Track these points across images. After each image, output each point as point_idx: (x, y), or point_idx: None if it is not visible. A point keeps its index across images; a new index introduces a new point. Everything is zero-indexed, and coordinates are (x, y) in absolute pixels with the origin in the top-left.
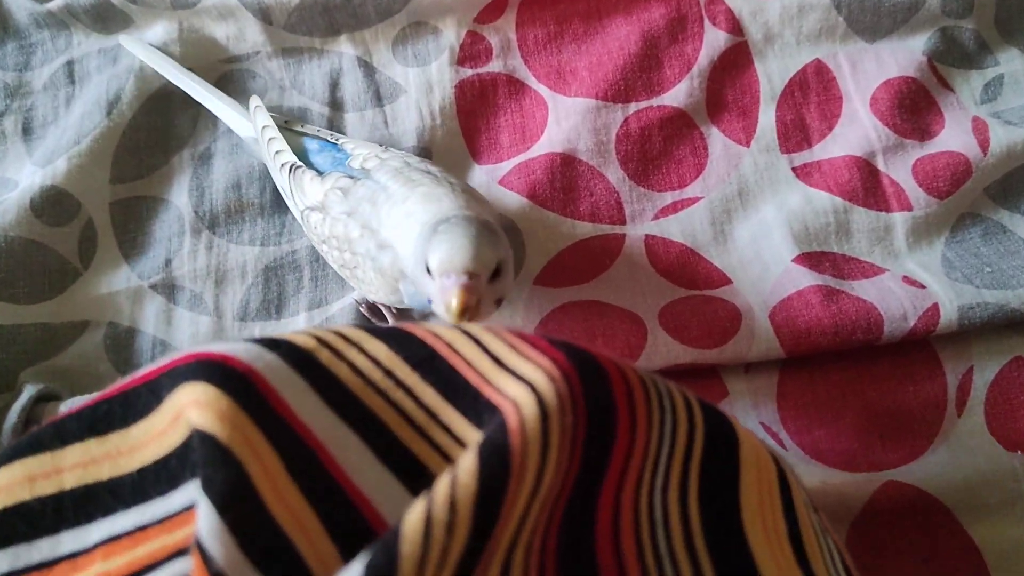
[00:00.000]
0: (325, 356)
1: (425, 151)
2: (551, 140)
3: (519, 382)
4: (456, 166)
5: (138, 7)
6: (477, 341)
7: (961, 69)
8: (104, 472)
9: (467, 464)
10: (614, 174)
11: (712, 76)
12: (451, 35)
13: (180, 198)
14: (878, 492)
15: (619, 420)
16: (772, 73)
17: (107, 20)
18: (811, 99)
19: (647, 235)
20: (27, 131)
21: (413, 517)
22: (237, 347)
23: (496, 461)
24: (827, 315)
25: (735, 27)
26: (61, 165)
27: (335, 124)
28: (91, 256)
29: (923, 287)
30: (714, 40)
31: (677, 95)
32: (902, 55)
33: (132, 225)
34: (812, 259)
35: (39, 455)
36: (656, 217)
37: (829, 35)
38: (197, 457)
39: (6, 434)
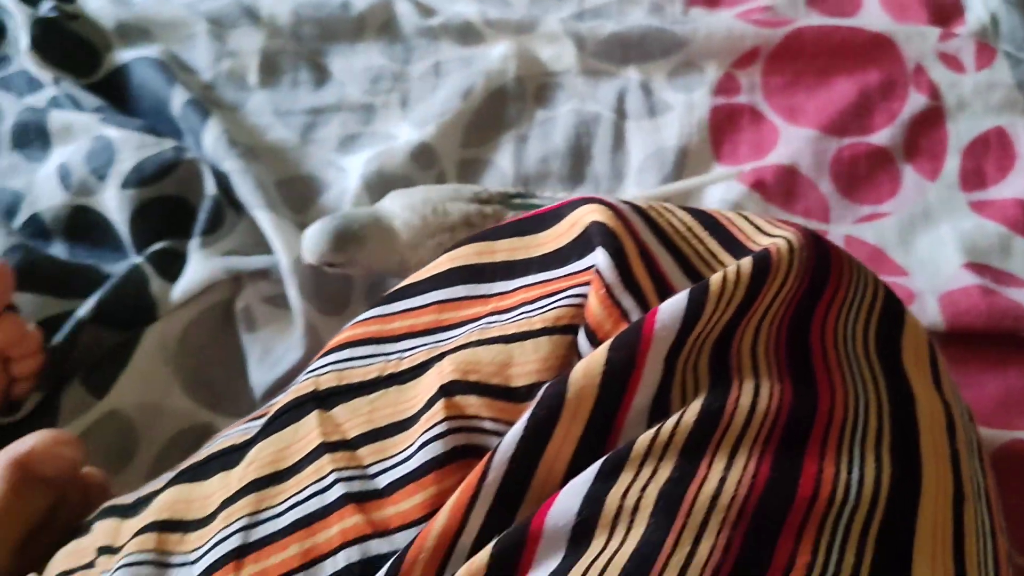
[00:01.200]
0: (653, 212)
1: (682, 150)
2: (779, 155)
3: (774, 238)
4: (700, 164)
5: (491, 29)
6: (747, 219)
7: None
8: (519, 255)
9: (747, 261)
10: (825, 187)
11: (911, 127)
12: (712, 74)
13: (504, 161)
14: (1004, 447)
15: (832, 269)
16: (960, 132)
17: (467, 36)
18: (990, 155)
19: (846, 235)
20: (404, 104)
21: (716, 276)
22: (607, 198)
23: (763, 264)
24: (983, 303)
25: (934, 94)
26: (430, 129)
27: (619, 128)
28: None
29: None
30: (916, 102)
31: (881, 137)
32: None
33: (470, 177)
34: (977, 268)
35: (485, 241)
36: (854, 223)
37: (1010, 108)
38: (594, 237)
39: None
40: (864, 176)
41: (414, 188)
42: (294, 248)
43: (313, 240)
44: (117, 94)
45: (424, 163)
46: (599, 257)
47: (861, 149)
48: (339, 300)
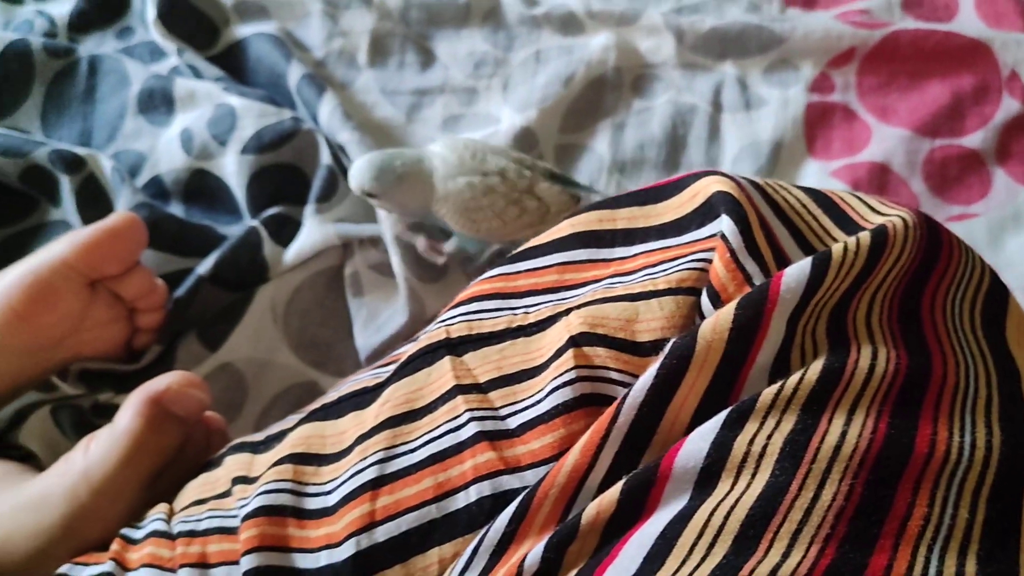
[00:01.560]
0: (769, 188)
1: (776, 143)
2: (872, 153)
3: (888, 216)
4: (794, 158)
5: (593, 20)
6: (860, 199)
7: None
8: (639, 224)
9: (865, 234)
10: (917, 186)
11: (1003, 131)
12: (808, 72)
13: (601, 147)
14: None
15: (942, 249)
16: None
17: (568, 26)
18: None
19: None
20: (505, 88)
21: (838, 245)
22: (727, 172)
23: (880, 238)
24: None
25: None
26: (531, 113)
27: (715, 120)
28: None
29: None
30: (1009, 107)
31: (973, 140)
32: None
33: (568, 162)
34: None
35: (606, 210)
36: (944, 222)
37: None
38: (719, 205)
39: None
40: (955, 177)
41: (463, 136)
42: (399, 220)
43: (358, 169)
44: (235, 67)
45: (525, 146)
46: (725, 224)
47: (952, 151)
48: (439, 268)
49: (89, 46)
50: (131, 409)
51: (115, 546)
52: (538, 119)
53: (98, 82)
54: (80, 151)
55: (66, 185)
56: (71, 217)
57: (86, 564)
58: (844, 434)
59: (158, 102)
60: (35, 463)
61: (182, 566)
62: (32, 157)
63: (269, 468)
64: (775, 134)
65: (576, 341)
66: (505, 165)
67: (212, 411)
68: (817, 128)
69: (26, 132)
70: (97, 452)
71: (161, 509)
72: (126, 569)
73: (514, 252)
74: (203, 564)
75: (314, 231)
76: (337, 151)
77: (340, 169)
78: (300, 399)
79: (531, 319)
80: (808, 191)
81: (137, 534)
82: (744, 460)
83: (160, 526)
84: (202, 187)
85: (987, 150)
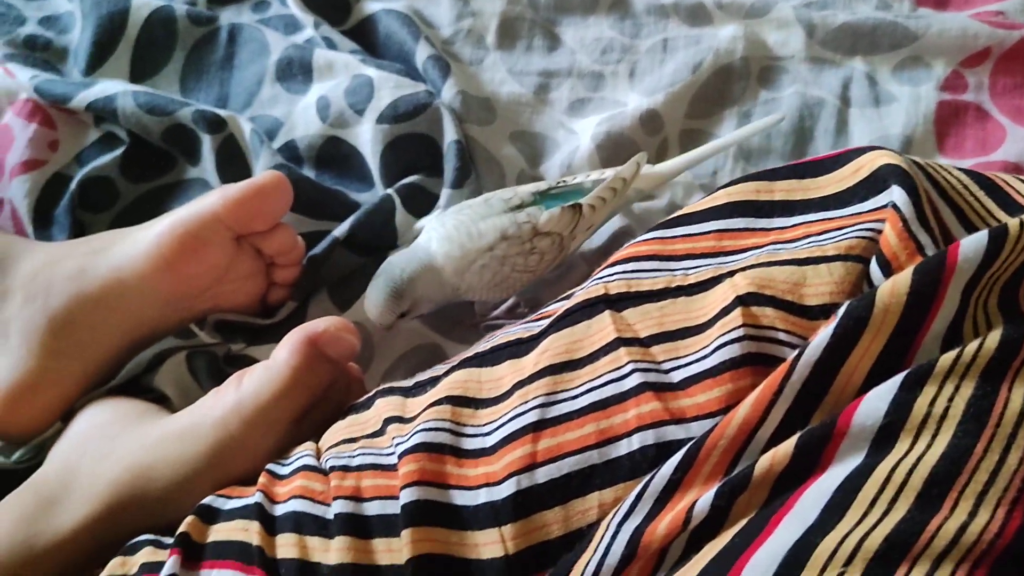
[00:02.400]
0: (931, 168)
1: (907, 139)
2: (1006, 152)
3: None
4: (924, 155)
5: (721, 12)
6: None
7: None
8: (798, 196)
9: None
10: None
11: None
12: (940, 70)
13: (728, 134)
14: None
15: None
16: None
17: (696, 16)
18: None
19: None
20: (631, 75)
21: (1014, 221)
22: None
23: None
24: None
25: None
26: (659, 97)
27: (843, 114)
28: (663, 158)
29: None
30: None
31: None
32: None
33: (692, 147)
34: None
35: (763, 181)
36: None
37: None
38: (890, 177)
39: None
40: None
41: (447, 212)
42: None
43: (376, 310)
44: (365, 42)
45: (650, 129)
46: (896, 194)
47: None
48: None
49: (228, 16)
50: (289, 346)
51: (263, 479)
52: (665, 103)
53: (237, 49)
54: (222, 112)
55: (207, 144)
56: (209, 176)
57: (229, 497)
58: None
59: (296, 71)
60: (168, 406)
61: (336, 498)
62: (176, 116)
63: (426, 408)
64: (905, 131)
65: (744, 301)
66: (501, 225)
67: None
68: (949, 126)
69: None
70: (250, 386)
71: (308, 447)
72: (274, 502)
73: (668, 218)
74: (357, 497)
75: None
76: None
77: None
78: (423, 360)
79: (691, 280)
80: (969, 173)
81: (284, 469)
82: (924, 421)
83: (310, 461)
84: (335, 154)
85: None
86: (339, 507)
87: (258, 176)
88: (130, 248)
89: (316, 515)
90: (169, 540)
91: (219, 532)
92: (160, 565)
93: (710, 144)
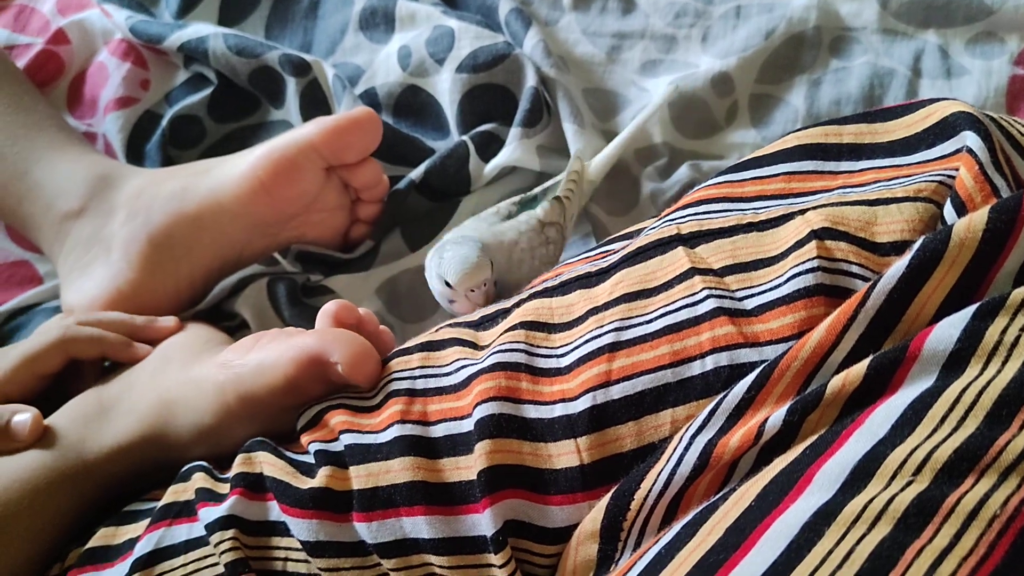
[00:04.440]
0: (1003, 120)
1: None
2: None
3: None
4: None
5: None
6: None
7: None
8: (866, 139)
9: None
10: None
11: None
12: (1014, 45)
13: (797, 100)
14: None
15: None
16: None
17: None
18: None
19: None
20: (704, 39)
21: None
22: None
23: None
24: None
25: None
26: (731, 61)
27: (913, 85)
28: (733, 120)
29: None
30: None
31: None
32: None
33: (762, 111)
34: None
35: (832, 125)
36: None
37: None
38: (961, 124)
39: None
40: None
41: (455, 231)
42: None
43: (470, 267)
44: None
45: (721, 91)
46: (971, 139)
47: None
48: (628, 200)
49: None
50: (293, 354)
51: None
52: (736, 66)
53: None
54: (307, 57)
55: (291, 87)
56: (293, 118)
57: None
58: None
59: (379, 20)
60: (247, 333)
61: (396, 423)
62: (264, 58)
63: (501, 334)
64: (976, 102)
65: (818, 235)
66: (515, 225)
67: (396, 309)
68: (1021, 100)
69: None
70: (251, 366)
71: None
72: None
73: (737, 162)
74: (424, 421)
75: (516, 151)
76: (542, 80)
77: (545, 96)
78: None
79: (761, 216)
80: None
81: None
82: (996, 348)
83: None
84: (413, 102)
85: None
86: (401, 430)
87: (353, 110)
88: (229, 170)
89: (368, 443)
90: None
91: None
92: (216, 495)
93: (624, 133)
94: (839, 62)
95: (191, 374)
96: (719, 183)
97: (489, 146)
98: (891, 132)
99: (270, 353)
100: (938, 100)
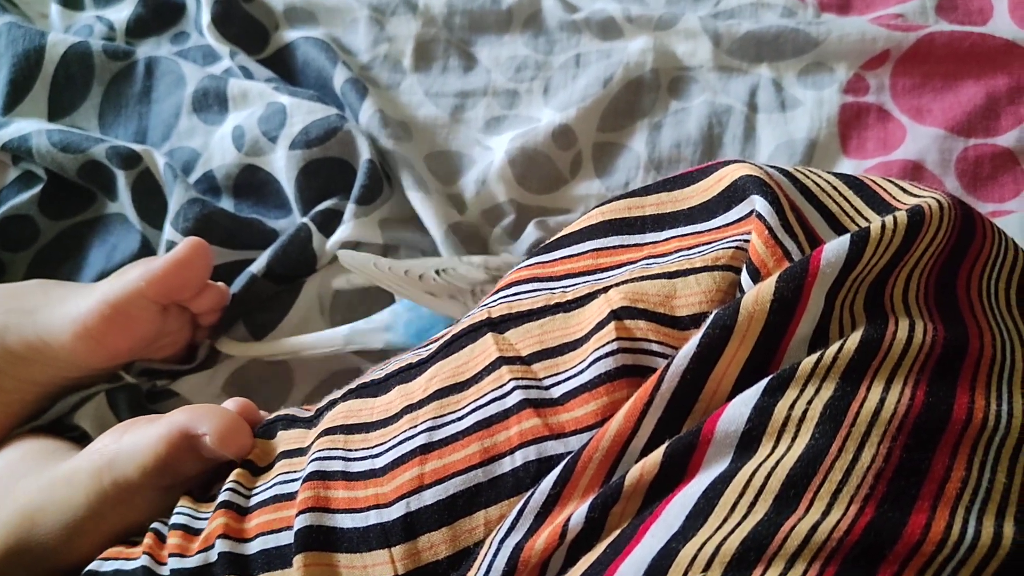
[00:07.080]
0: (798, 173)
1: (811, 142)
2: (906, 151)
3: (922, 198)
4: (828, 157)
5: (631, 25)
6: (891, 182)
7: None
8: (668, 209)
9: (902, 213)
10: (951, 183)
11: None
12: (842, 74)
13: (639, 146)
14: None
15: (976, 230)
16: None
17: (607, 31)
18: None
19: None
20: (545, 91)
21: (876, 223)
22: (757, 163)
23: (917, 217)
24: None
25: None
26: (571, 112)
27: (750, 120)
28: (577, 172)
29: None
30: None
31: (1007, 139)
32: None
33: (605, 160)
34: None
35: (635, 198)
36: None
37: None
38: (749, 188)
39: None
40: (988, 175)
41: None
42: (443, 220)
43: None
44: (284, 70)
45: (563, 143)
46: (758, 203)
47: (986, 150)
48: None
49: (146, 50)
50: (163, 432)
51: (148, 539)
52: (577, 117)
53: (155, 83)
54: (135, 147)
55: (122, 180)
56: (127, 210)
57: (115, 559)
58: (883, 400)
59: (212, 101)
60: (89, 443)
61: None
62: (90, 153)
63: (318, 436)
64: (809, 133)
65: (617, 314)
66: (466, 272)
67: (254, 398)
68: (851, 128)
69: (84, 130)
70: (126, 449)
71: (185, 502)
72: (159, 563)
73: (546, 242)
74: (239, 538)
75: (355, 229)
76: (377, 153)
77: (382, 170)
78: (346, 384)
79: (569, 296)
80: (838, 175)
81: (166, 528)
82: (784, 424)
83: (180, 520)
84: (252, 182)
85: (1021, 149)
86: (221, 546)
87: (178, 248)
88: (57, 321)
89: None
90: None
91: None
92: None
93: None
94: (679, 103)
95: (56, 474)
96: (530, 264)
97: (331, 223)
98: (690, 198)
99: (143, 433)
100: (729, 163)
